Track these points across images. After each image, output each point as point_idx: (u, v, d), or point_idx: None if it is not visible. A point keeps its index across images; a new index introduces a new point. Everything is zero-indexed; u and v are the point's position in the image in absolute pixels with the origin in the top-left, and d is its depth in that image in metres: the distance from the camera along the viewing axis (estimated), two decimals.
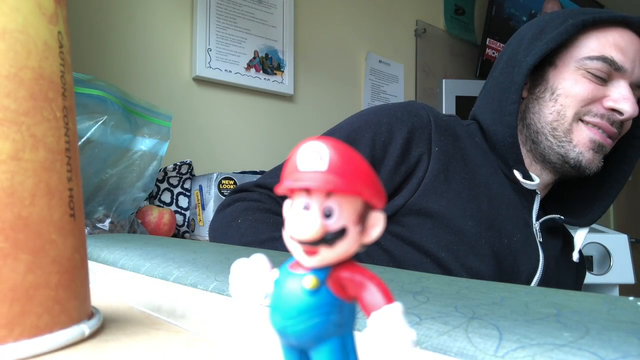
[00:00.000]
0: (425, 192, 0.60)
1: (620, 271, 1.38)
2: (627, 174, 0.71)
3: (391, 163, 0.61)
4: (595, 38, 0.64)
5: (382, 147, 0.62)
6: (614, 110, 0.63)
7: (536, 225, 0.68)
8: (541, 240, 0.67)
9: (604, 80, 0.64)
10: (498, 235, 0.62)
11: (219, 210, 0.65)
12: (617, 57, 0.63)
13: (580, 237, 0.71)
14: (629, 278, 1.38)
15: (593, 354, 0.17)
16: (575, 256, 0.70)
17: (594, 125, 0.64)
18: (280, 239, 0.56)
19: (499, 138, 0.67)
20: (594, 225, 1.51)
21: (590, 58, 0.63)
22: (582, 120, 0.64)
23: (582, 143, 0.64)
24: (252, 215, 0.60)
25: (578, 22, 0.63)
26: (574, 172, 0.66)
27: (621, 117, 0.63)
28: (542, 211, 0.72)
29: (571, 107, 0.64)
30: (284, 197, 0.63)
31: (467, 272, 0.59)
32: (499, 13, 1.84)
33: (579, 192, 0.74)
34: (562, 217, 0.69)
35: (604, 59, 0.63)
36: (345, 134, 0.63)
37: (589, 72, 0.64)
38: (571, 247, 0.75)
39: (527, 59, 0.64)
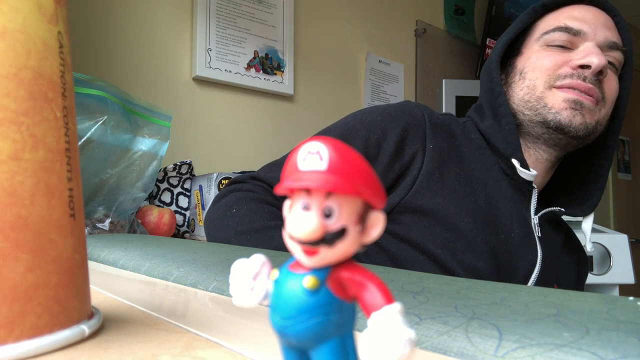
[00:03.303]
0: (420, 190, 0.61)
1: (620, 271, 1.38)
2: (613, 149, 0.70)
3: (385, 160, 0.62)
4: (552, 17, 0.68)
5: (375, 144, 0.62)
6: (581, 66, 0.63)
7: (534, 220, 0.67)
8: (539, 235, 0.67)
9: (567, 48, 0.65)
10: (495, 231, 0.62)
11: (215, 202, 0.65)
12: (573, 23, 0.64)
13: (588, 227, 0.71)
14: (629, 278, 1.38)
15: (593, 354, 0.17)
16: (589, 246, 0.70)
17: (567, 86, 0.64)
18: (275, 227, 0.57)
19: (495, 131, 0.68)
20: (593, 225, 1.51)
21: (547, 32, 0.66)
22: (554, 87, 0.65)
23: (557, 105, 0.64)
24: (247, 205, 0.60)
25: (530, 11, 0.68)
26: (563, 137, 0.65)
27: (590, 70, 0.62)
28: (540, 206, 0.72)
29: (539, 78, 0.66)
30: (283, 197, 0.63)
31: (464, 269, 0.59)
32: (499, 13, 1.84)
33: (573, 182, 0.74)
34: (562, 209, 0.69)
35: (559, 28, 0.65)
36: (339, 132, 0.64)
37: (549, 45, 0.66)
38: (573, 242, 0.75)
39: (494, 53, 0.69)
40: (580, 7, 0.67)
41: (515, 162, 0.66)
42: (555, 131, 0.65)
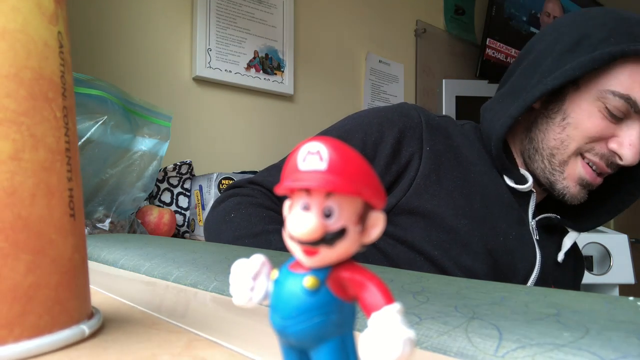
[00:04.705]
0: (417, 192, 0.61)
1: (620, 271, 1.38)
2: (635, 198, 0.69)
3: (382, 163, 0.62)
4: (629, 72, 0.59)
5: (372, 147, 0.62)
6: (616, 153, 0.61)
7: (532, 223, 0.68)
8: (537, 238, 0.67)
9: (619, 118, 0.60)
10: (492, 233, 0.62)
11: (214, 207, 0.66)
12: None
13: (569, 241, 0.71)
14: (629, 278, 1.38)
15: (593, 354, 0.17)
16: (560, 257, 0.70)
17: (591, 162, 0.63)
18: (273, 232, 0.57)
19: (488, 142, 0.67)
20: None
21: (614, 93, 0.59)
22: (581, 154, 0.63)
23: (571, 177, 0.64)
24: (245, 210, 0.61)
25: (617, 53, 0.57)
26: (558, 199, 0.67)
27: (620, 163, 0.61)
28: (541, 210, 0.72)
29: (576, 140, 0.62)
30: (279, 196, 0.63)
31: (460, 270, 0.59)
32: (499, 13, 1.84)
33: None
34: (558, 216, 0.69)
35: (627, 99, 0.59)
36: (336, 135, 0.64)
37: (607, 107, 0.60)
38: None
39: (548, 79, 0.60)
40: None
41: (507, 179, 0.67)
42: (554, 195, 0.66)
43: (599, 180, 0.64)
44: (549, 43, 0.65)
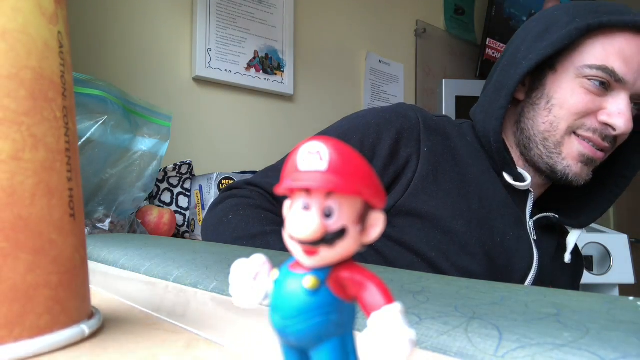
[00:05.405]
0: (415, 193, 0.61)
1: (620, 271, 1.38)
2: (628, 180, 0.69)
3: (380, 164, 0.62)
4: (601, 44, 0.61)
5: (370, 148, 0.62)
6: (607, 124, 0.61)
7: (530, 224, 0.67)
8: (535, 238, 0.67)
9: (604, 88, 0.61)
10: (490, 234, 0.62)
11: (211, 209, 0.65)
12: (620, 67, 0.60)
13: (573, 239, 0.70)
14: (629, 278, 1.38)
15: (593, 354, 0.17)
16: (567, 257, 0.70)
17: (586, 139, 0.62)
18: (271, 233, 0.57)
19: (487, 140, 0.67)
20: (593, 225, 1.51)
21: (591, 67, 0.60)
22: (574, 133, 0.63)
23: (571, 156, 0.63)
24: (243, 211, 0.61)
25: (583, 27, 0.59)
26: (563, 182, 0.66)
27: (614, 133, 0.61)
28: (538, 209, 0.72)
29: (564, 119, 0.63)
30: (277, 196, 0.63)
31: (458, 271, 0.59)
32: (499, 13, 1.84)
33: (578, 193, 0.73)
34: (556, 215, 0.69)
35: (604, 69, 0.60)
36: (334, 136, 0.63)
37: (588, 79, 0.61)
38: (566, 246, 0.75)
39: (524, 63, 0.62)
40: (634, 40, 0.60)
41: (506, 176, 0.66)
42: (558, 179, 0.65)
43: (600, 155, 0.63)
44: (522, 38, 0.67)
